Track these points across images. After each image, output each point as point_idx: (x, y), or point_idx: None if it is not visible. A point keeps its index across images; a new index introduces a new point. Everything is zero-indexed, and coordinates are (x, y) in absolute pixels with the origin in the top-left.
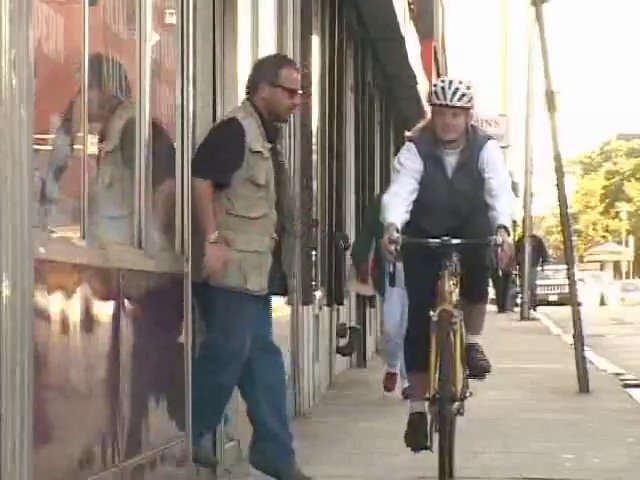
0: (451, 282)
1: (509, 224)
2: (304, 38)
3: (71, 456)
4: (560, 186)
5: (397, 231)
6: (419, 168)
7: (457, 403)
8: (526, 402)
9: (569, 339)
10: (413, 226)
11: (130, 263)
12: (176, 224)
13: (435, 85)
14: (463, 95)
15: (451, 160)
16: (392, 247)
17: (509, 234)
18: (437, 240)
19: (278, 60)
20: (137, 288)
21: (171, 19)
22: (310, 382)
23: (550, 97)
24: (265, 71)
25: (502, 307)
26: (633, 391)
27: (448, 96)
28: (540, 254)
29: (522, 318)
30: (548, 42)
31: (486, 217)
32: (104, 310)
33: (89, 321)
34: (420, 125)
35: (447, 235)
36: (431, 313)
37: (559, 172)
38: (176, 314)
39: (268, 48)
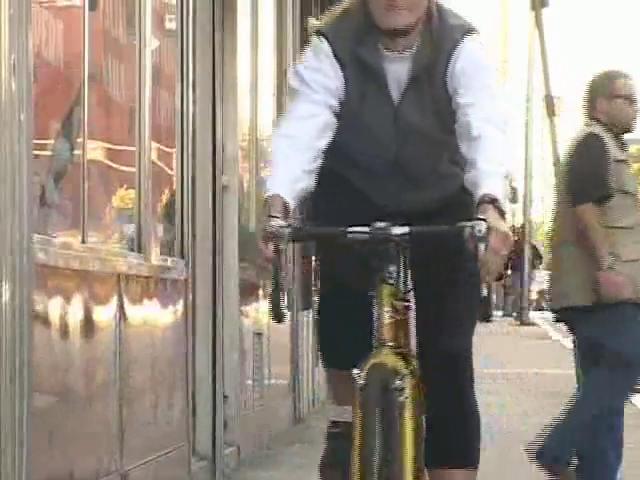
0: (394, 307)
1: (502, 193)
2: (304, 42)
3: (69, 460)
4: None
5: (285, 213)
6: (336, 86)
7: None
8: (526, 407)
9: (569, 344)
10: (326, 198)
11: (130, 268)
12: (176, 228)
13: None
14: None
15: (398, 70)
16: (270, 249)
17: (503, 213)
18: (365, 229)
19: (610, 73)
20: (137, 293)
21: (171, 24)
22: (309, 388)
23: (549, 102)
24: (599, 86)
25: (487, 317)
26: (632, 396)
27: None
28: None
29: (521, 323)
30: (548, 47)
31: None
32: (104, 315)
33: (89, 326)
34: (337, 9)
35: (389, 216)
36: (354, 371)
37: (558, 177)
38: (177, 319)
39: (268, 52)
